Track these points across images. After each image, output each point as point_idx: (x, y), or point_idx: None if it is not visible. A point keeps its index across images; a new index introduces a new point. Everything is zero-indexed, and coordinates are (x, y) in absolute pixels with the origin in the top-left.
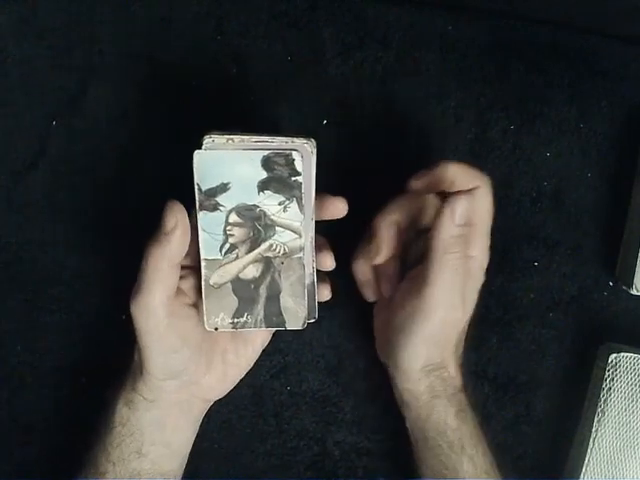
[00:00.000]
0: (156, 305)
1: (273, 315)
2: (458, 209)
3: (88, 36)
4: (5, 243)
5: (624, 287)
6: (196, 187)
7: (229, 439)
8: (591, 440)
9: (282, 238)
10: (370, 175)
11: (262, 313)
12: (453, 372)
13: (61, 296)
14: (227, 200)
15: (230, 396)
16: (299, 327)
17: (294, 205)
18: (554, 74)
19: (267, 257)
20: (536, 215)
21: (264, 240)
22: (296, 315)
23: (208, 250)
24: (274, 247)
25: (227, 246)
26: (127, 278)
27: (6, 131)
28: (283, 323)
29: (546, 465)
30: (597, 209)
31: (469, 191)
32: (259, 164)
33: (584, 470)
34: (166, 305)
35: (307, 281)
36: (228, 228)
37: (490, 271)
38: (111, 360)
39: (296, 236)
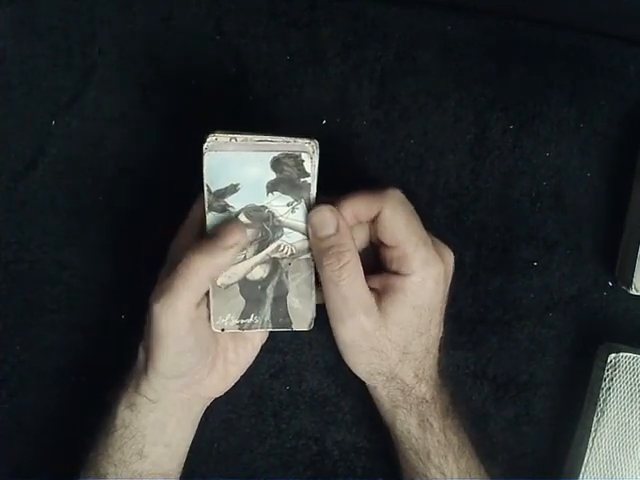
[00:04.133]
0: (184, 310)
1: (280, 316)
2: (312, 221)
3: (88, 36)
4: (5, 243)
5: (623, 287)
6: (205, 188)
7: (228, 439)
8: (590, 440)
9: (290, 239)
10: (370, 175)
11: (269, 314)
12: (411, 383)
13: (61, 296)
14: (236, 201)
15: (229, 396)
16: (305, 328)
17: (302, 206)
18: (554, 74)
19: (275, 258)
20: (536, 215)
21: (272, 241)
22: (303, 316)
23: None
24: (282, 248)
25: None
26: (127, 278)
27: (6, 131)
28: (289, 324)
29: (546, 465)
30: (597, 209)
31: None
32: (269, 165)
33: (583, 470)
34: (192, 310)
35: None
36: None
37: (490, 271)
38: (111, 360)
39: (304, 237)
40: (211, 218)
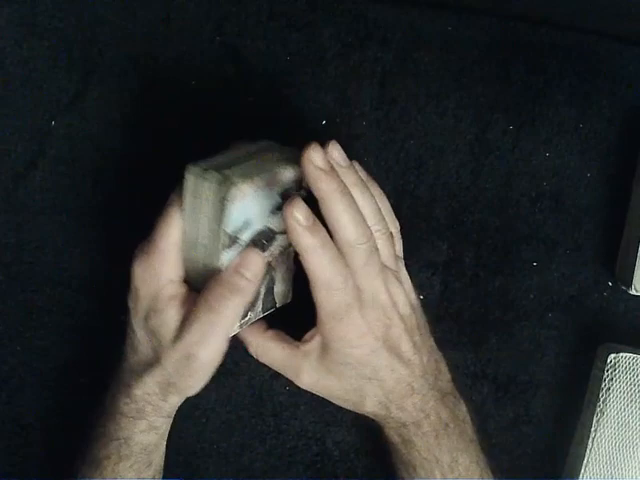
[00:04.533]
0: (222, 348)
1: (267, 302)
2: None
3: (88, 36)
4: (5, 243)
5: (623, 287)
6: (222, 232)
7: (228, 439)
8: (590, 440)
9: (279, 241)
10: (369, 175)
11: (260, 306)
12: (381, 413)
13: (61, 296)
14: (246, 234)
15: (229, 396)
16: (288, 301)
17: None
18: (554, 74)
19: (268, 261)
20: (536, 215)
21: (267, 248)
22: (284, 294)
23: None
24: (274, 251)
25: None
26: (127, 278)
27: (6, 131)
28: (274, 305)
29: (545, 465)
30: (597, 209)
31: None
32: (278, 195)
33: (583, 470)
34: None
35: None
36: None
37: (490, 271)
38: (111, 360)
39: None
40: (224, 254)
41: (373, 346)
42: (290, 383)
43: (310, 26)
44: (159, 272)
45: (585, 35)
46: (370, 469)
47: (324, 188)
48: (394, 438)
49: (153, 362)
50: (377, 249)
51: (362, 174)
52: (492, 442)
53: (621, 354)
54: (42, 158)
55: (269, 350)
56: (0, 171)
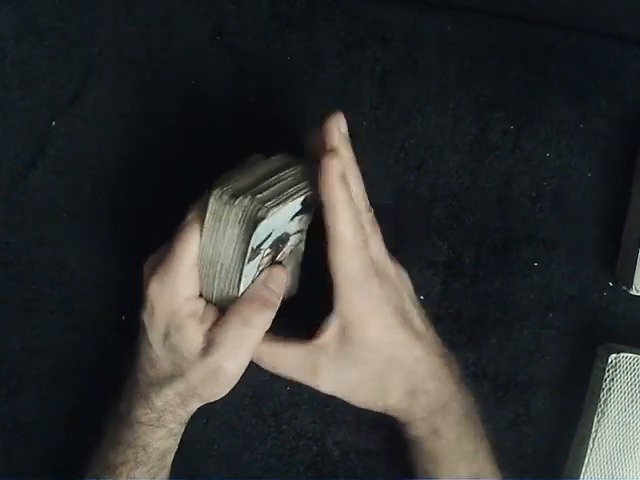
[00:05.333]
0: (248, 361)
1: None
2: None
3: (88, 36)
4: (5, 243)
5: (624, 287)
6: (249, 249)
7: (229, 439)
8: (591, 440)
9: (292, 241)
10: (369, 175)
11: None
12: (405, 405)
13: (61, 296)
14: (267, 243)
15: (230, 396)
16: (294, 293)
17: (307, 214)
18: (554, 74)
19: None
20: (536, 215)
21: (281, 250)
22: (291, 288)
23: (244, 286)
24: (286, 251)
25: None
26: (127, 278)
27: (6, 131)
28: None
29: (546, 465)
30: (597, 209)
31: None
32: (300, 205)
33: (584, 470)
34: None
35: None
36: (261, 262)
37: (490, 271)
38: (111, 360)
39: (301, 235)
40: (248, 269)
41: (390, 321)
42: (290, 383)
43: (310, 26)
44: (177, 290)
45: (585, 35)
46: (370, 469)
47: (347, 156)
48: (422, 430)
49: (175, 375)
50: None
51: None
52: (492, 442)
53: (621, 354)
54: (42, 158)
55: (284, 356)
56: (0, 171)
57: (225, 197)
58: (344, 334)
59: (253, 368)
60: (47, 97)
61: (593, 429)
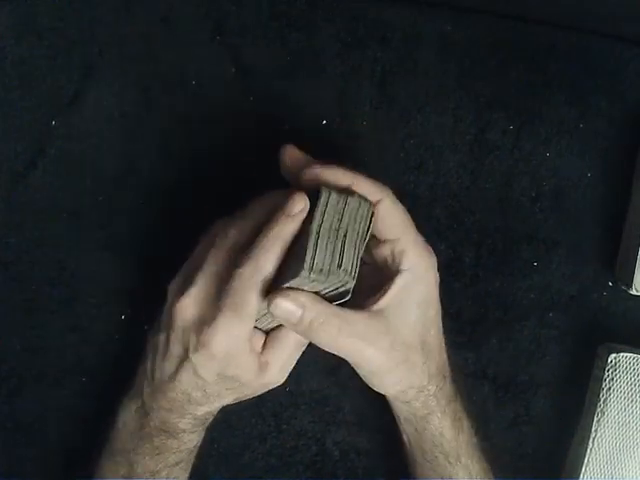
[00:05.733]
0: None
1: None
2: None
3: (88, 36)
4: (5, 243)
5: (623, 287)
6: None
7: (229, 439)
8: (590, 440)
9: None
10: (369, 175)
11: None
12: (439, 383)
13: (61, 296)
14: None
15: None
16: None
17: None
18: (554, 74)
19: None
20: (536, 215)
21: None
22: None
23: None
24: None
25: None
26: (127, 278)
27: (6, 131)
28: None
29: (546, 465)
30: (597, 209)
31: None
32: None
33: (584, 470)
34: None
35: None
36: None
37: (490, 271)
38: (111, 360)
39: None
40: None
41: (433, 282)
42: (290, 383)
43: (310, 26)
44: (241, 335)
45: (585, 35)
46: (370, 469)
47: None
48: (445, 422)
49: (226, 393)
50: None
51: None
52: (492, 442)
53: (621, 354)
54: (42, 158)
55: (346, 323)
56: (0, 171)
57: (324, 279)
58: (403, 290)
59: None
60: (47, 97)
61: (593, 429)
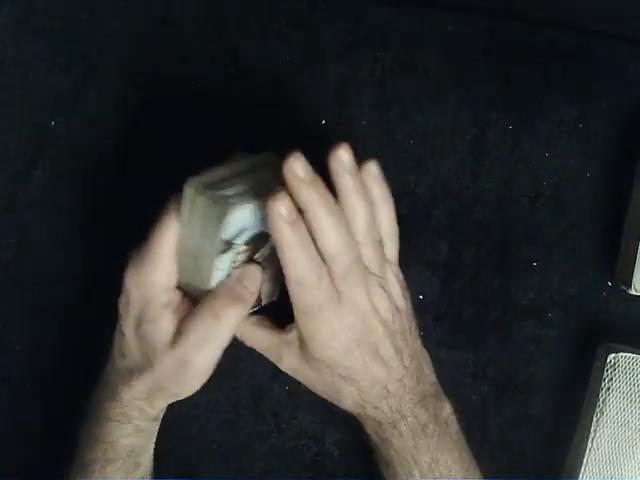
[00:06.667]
0: (220, 353)
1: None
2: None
3: (88, 36)
4: (5, 243)
5: (623, 287)
6: (218, 241)
7: (228, 439)
8: (590, 440)
9: (271, 242)
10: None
11: None
12: (355, 412)
13: (61, 296)
14: (241, 239)
15: (229, 396)
16: (273, 299)
17: None
18: (554, 74)
19: (258, 262)
20: (536, 215)
21: (259, 249)
22: (270, 293)
23: (216, 280)
24: (264, 252)
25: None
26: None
27: (6, 131)
28: (259, 303)
29: (545, 465)
30: (596, 209)
31: None
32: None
33: (583, 470)
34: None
35: None
36: (236, 259)
37: (490, 271)
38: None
39: None
40: (221, 263)
41: (347, 347)
42: (289, 383)
43: (310, 26)
44: (153, 279)
45: (585, 35)
46: (370, 469)
47: (304, 199)
48: (372, 437)
49: (143, 367)
50: (360, 258)
51: (374, 173)
52: (492, 442)
53: (621, 354)
54: (42, 158)
55: (253, 336)
56: (0, 171)
57: (199, 186)
58: (303, 345)
59: (253, 368)
60: (47, 97)
61: (592, 429)
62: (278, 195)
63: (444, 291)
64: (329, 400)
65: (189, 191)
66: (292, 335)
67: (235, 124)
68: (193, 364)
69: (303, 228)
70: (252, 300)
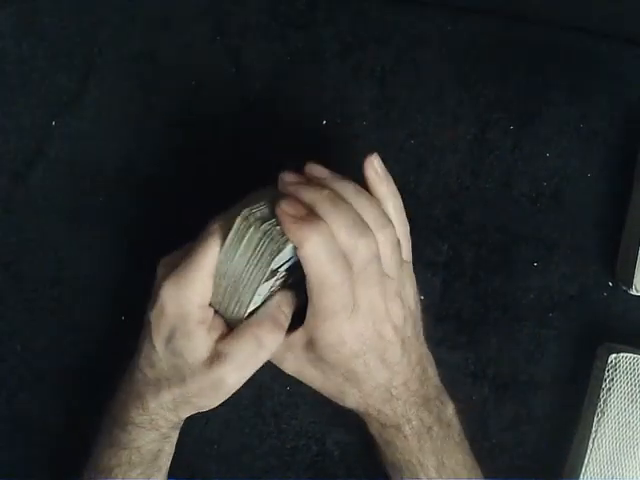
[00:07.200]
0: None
1: None
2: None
3: (88, 36)
4: (5, 243)
5: (623, 287)
6: (268, 270)
7: (229, 439)
8: (590, 440)
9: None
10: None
11: None
12: (359, 412)
13: (61, 296)
14: (285, 266)
15: (230, 396)
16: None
17: None
18: (554, 74)
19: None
20: (536, 215)
21: (294, 273)
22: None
23: (254, 305)
24: (296, 274)
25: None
26: (127, 278)
27: (6, 131)
28: None
29: (546, 465)
30: (597, 209)
31: None
32: None
33: (583, 470)
34: None
35: None
36: (274, 284)
37: (490, 271)
38: (111, 361)
39: None
40: (261, 288)
41: (355, 353)
42: (290, 383)
43: (310, 26)
44: (190, 296)
45: (585, 35)
46: (370, 469)
47: (310, 198)
48: (377, 438)
49: (174, 381)
50: (378, 257)
51: (380, 170)
52: (492, 442)
53: (621, 354)
54: (42, 158)
55: None
56: (0, 171)
57: (252, 219)
58: (309, 346)
59: None
60: (47, 97)
61: (593, 429)
62: (281, 208)
63: (444, 291)
64: (332, 399)
65: (244, 224)
66: (296, 337)
67: (235, 124)
68: (228, 385)
69: (323, 231)
70: (287, 325)
